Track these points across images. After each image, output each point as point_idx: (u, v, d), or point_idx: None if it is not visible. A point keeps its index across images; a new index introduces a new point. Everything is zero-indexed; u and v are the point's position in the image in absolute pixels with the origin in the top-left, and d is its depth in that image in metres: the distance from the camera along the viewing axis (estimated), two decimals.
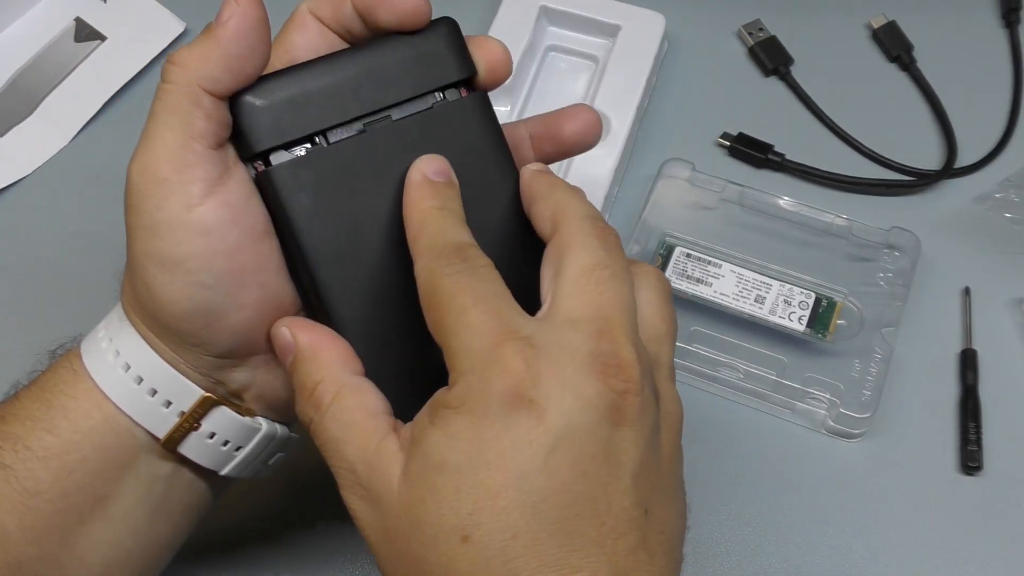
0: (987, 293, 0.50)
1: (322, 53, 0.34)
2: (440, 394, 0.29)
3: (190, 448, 0.34)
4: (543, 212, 0.32)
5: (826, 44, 0.57)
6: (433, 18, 0.34)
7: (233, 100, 0.32)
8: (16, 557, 0.33)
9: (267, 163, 0.32)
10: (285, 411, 0.36)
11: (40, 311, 0.50)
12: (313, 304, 0.33)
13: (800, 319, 0.47)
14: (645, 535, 0.28)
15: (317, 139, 0.33)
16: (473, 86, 0.35)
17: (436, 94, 0.34)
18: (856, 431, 0.46)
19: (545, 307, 0.30)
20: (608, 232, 0.31)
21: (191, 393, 0.33)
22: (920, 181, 0.53)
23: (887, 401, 0.46)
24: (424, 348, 0.30)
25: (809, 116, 0.55)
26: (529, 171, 0.34)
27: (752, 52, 0.57)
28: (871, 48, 0.57)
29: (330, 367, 0.31)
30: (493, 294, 0.29)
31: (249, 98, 0.32)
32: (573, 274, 0.29)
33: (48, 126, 0.55)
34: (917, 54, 0.56)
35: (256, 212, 0.32)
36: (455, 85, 0.34)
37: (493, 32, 0.54)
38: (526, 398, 0.27)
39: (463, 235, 0.31)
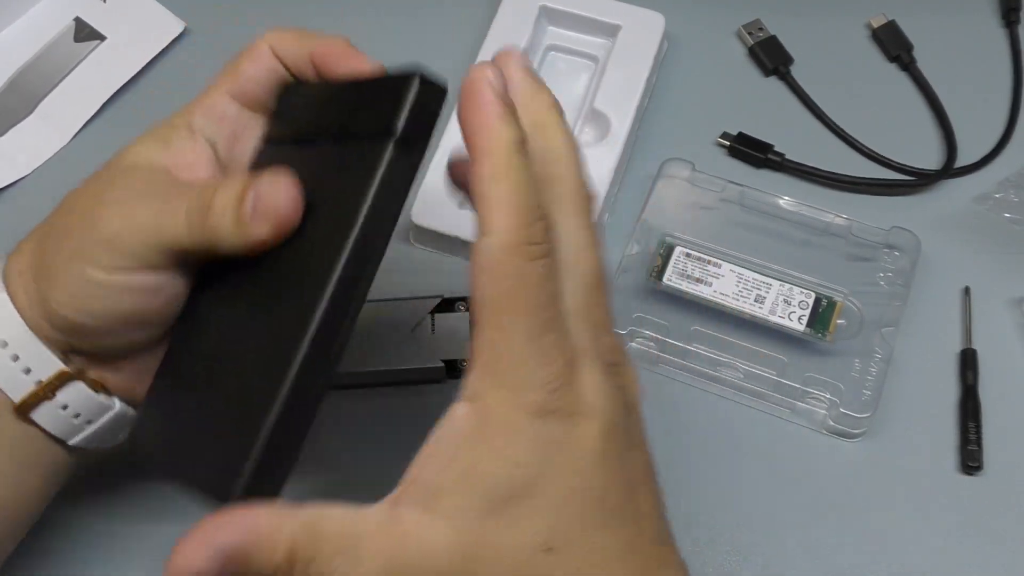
0: (987, 293, 0.50)
1: (266, 84, 0.36)
2: (468, 410, 0.28)
3: (41, 416, 0.36)
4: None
5: (826, 44, 0.57)
6: (414, 64, 0.31)
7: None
8: None
9: None
10: (128, 398, 0.38)
11: None
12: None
13: (800, 319, 0.47)
14: (654, 474, 0.31)
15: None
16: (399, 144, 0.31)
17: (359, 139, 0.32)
18: (856, 431, 0.46)
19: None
20: None
21: (51, 364, 0.35)
22: (920, 181, 0.53)
23: (887, 401, 0.46)
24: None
25: (809, 116, 0.55)
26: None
27: (752, 52, 0.57)
28: (871, 48, 0.57)
29: (262, 549, 0.27)
30: (557, 311, 0.28)
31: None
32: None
33: (48, 126, 0.55)
34: (917, 54, 0.56)
35: (184, 287, 0.35)
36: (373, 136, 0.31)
37: (493, 32, 0.54)
38: (570, 412, 0.28)
39: (538, 196, 0.28)
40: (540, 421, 0.27)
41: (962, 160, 0.53)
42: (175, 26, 0.58)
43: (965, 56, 0.56)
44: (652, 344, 0.48)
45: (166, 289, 0.34)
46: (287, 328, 0.30)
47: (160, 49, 0.57)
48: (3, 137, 0.55)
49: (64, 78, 0.57)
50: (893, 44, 0.56)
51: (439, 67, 0.31)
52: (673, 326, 0.48)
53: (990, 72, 0.56)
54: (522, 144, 0.28)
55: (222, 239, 0.32)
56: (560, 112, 0.31)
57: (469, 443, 0.28)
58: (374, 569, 0.27)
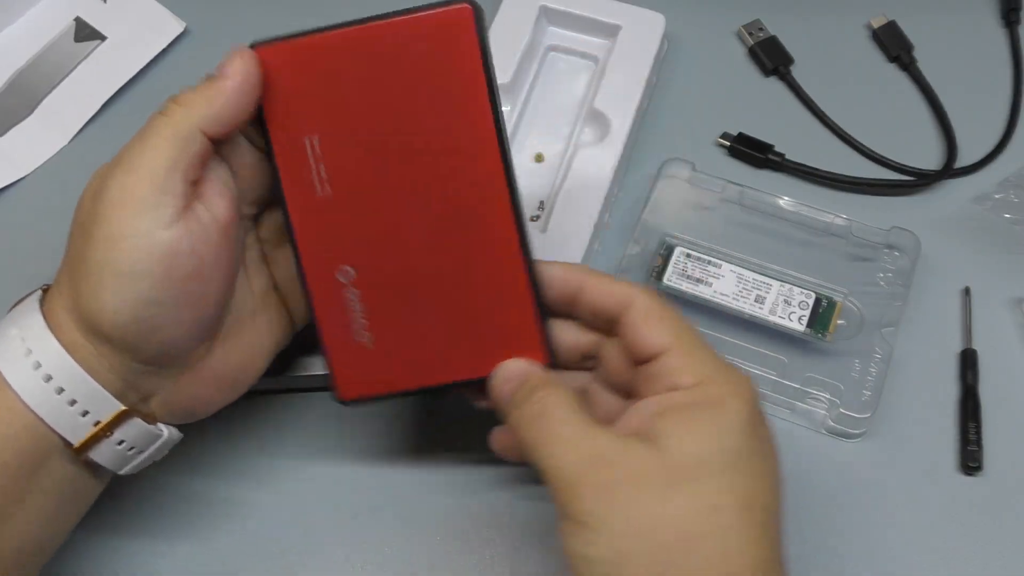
0: (987, 293, 0.50)
1: None
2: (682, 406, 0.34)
3: (100, 453, 0.36)
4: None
5: (826, 44, 0.57)
6: None
7: None
8: None
9: None
10: (183, 415, 0.38)
11: None
12: None
13: (800, 319, 0.47)
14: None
15: None
16: None
17: None
18: (856, 431, 0.46)
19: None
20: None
21: (110, 405, 0.35)
22: (920, 181, 0.53)
23: (887, 401, 0.46)
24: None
25: (809, 116, 0.55)
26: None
27: (752, 52, 0.57)
28: (871, 48, 0.57)
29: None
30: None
31: None
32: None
33: (48, 126, 0.55)
34: (917, 54, 0.56)
35: (215, 245, 0.35)
36: None
37: (493, 32, 0.54)
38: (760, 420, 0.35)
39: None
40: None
41: (962, 160, 0.53)
42: (175, 26, 0.58)
43: (965, 56, 0.56)
44: None
45: (196, 243, 0.34)
46: None
47: (160, 49, 0.57)
48: (3, 137, 0.55)
49: (64, 78, 0.57)
50: (893, 44, 0.56)
51: None
52: None
53: (990, 72, 0.56)
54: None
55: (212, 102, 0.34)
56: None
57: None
58: (608, 483, 0.33)
